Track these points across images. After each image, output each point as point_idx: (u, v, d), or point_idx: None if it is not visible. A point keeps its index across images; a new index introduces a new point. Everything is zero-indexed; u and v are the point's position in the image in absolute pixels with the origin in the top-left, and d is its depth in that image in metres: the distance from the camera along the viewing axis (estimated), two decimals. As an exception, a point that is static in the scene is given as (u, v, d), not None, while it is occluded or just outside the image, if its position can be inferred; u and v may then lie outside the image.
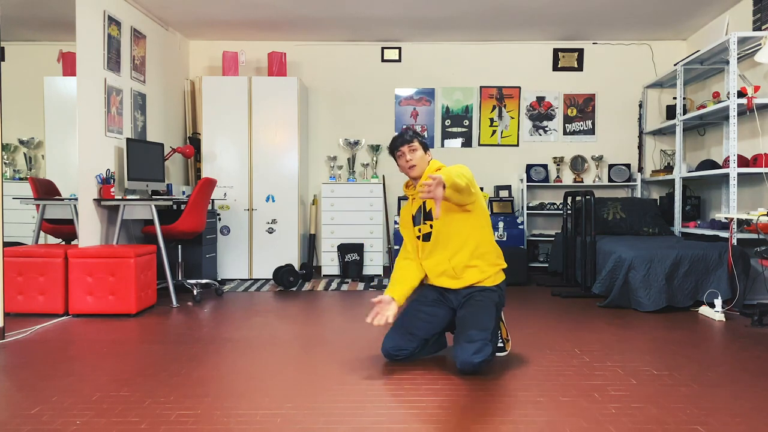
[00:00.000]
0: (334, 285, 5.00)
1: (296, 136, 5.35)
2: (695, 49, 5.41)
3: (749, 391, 2.30)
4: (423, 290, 2.81)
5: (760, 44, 4.14)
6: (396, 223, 5.42)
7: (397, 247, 5.30)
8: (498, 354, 2.76)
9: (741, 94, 4.18)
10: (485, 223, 2.67)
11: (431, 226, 2.66)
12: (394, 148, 2.72)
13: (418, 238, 2.73)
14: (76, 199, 3.98)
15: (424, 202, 2.71)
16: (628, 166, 5.81)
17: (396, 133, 5.88)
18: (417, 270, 2.75)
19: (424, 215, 2.71)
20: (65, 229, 4.08)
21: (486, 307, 2.57)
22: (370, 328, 3.36)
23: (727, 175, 4.37)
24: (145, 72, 4.97)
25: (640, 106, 5.88)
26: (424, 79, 5.95)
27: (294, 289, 4.84)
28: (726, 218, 4.40)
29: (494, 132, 5.95)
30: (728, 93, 4.15)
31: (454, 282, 2.66)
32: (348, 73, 5.96)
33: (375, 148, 5.78)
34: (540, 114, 5.95)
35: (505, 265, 2.73)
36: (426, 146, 2.72)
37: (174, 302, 4.06)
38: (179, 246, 4.60)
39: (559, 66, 5.93)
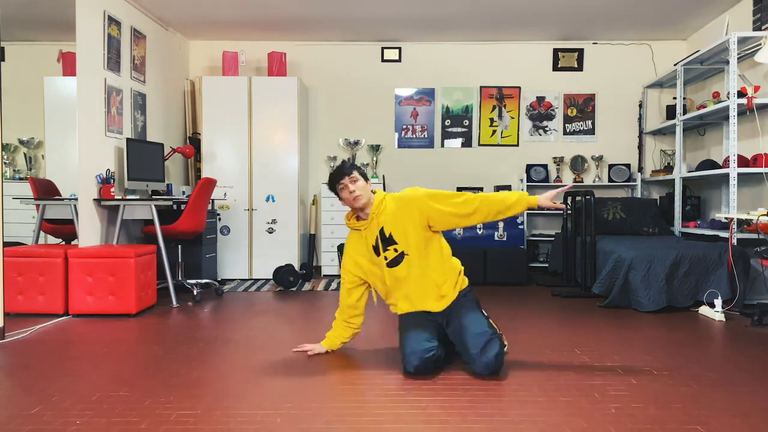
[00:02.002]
0: (334, 285, 5.00)
1: (296, 136, 5.35)
2: (695, 49, 5.41)
3: (749, 391, 2.29)
4: (405, 315, 2.69)
5: (760, 44, 4.14)
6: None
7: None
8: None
9: (741, 94, 4.18)
10: (442, 238, 2.71)
11: (396, 250, 2.58)
12: (335, 181, 2.62)
13: (388, 265, 2.61)
14: (76, 199, 3.98)
15: (381, 228, 2.59)
16: (628, 166, 5.81)
17: (397, 134, 5.91)
18: (352, 330, 2.84)
19: (384, 241, 2.60)
20: (65, 229, 4.08)
21: (473, 307, 2.62)
22: (370, 329, 3.36)
23: (727, 175, 4.37)
24: (145, 72, 4.97)
25: (640, 106, 5.88)
26: (424, 79, 5.95)
27: (294, 289, 4.84)
28: (726, 218, 4.40)
29: (494, 132, 5.96)
30: (728, 93, 4.15)
31: (439, 302, 2.61)
32: (348, 73, 5.96)
33: (375, 148, 5.77)
34: (540, 114, 5.95)
35: (462, 269, 2.75)
36: (366, 176, 2.64)
37: (174, 302, 4.06)
38: (179, 246, 4.60)
39: (559, 66, 5.93)
